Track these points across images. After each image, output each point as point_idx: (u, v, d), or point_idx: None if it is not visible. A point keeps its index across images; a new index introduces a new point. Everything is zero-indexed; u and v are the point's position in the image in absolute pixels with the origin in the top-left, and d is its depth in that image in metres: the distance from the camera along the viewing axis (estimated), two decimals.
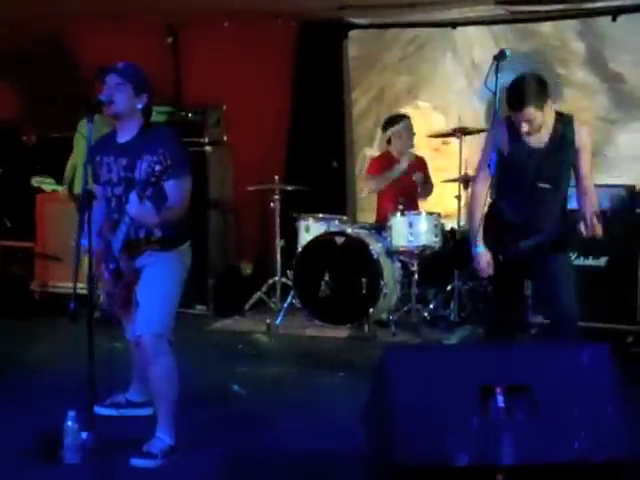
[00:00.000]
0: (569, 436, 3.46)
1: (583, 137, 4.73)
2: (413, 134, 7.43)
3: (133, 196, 4.10)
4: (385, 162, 7.49)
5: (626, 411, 3.57)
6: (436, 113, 8.24)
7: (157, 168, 4.02)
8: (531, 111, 4.56)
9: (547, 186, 4.72)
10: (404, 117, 7.51)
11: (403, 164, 7.26)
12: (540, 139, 4.71)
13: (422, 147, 7.77)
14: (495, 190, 4.81)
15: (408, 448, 3.43)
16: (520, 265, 4.76)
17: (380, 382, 3.75)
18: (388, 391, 3.60)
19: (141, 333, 4.35)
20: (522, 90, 4.58)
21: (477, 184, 4.89)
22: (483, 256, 4.77)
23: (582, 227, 4.60)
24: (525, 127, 4.61)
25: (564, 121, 4.73)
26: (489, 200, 4.87)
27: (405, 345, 6.51)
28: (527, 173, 4.70)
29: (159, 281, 4.35)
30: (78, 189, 6.77)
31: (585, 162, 4.75)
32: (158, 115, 6.71)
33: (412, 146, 7.45)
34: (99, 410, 4.55)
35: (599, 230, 4.58)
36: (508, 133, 4.73)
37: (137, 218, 4.18)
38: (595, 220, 4.55)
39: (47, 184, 7.42)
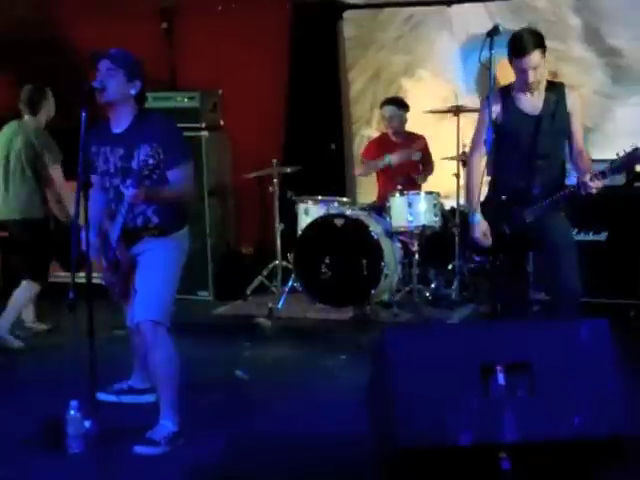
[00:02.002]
0: (570, 412, 3.46)
1: (574, 102, 4.79)
2: (401, 119, 7.44)
3: (130, 190, 4.11)
4: (381, 144, 7.49)
5: (628, 386, 3.58)
6: (432, 90, 8.19)
7: (150, 162, 4.02)
8: (538, 56, 4.60)
9: (545, 152, 4.73)
10: (393, 101, 7.52)
11: (393, 158, 7.25)
12: (534, 105, 4.75)
13: (419, 126, 7.74)
14: (493, 164, 4.81)
15: (410, 429, 3.43)
16: (523, 239, 4.76)
17: (380, 363, 3.75)
18: (388, 372, 3.59)
19: (140, 320, 4.35)
20: (527, 36, 4.64)
21: (472, 156, 4.93)
22: (480, 225, 4.77)
23: (580, 185, 4.59)
24: (531, 76, 4.62)
25: (556, 88, 4.78)
26: (487, 178, 4.87)
27: (406, 325, 6.51)
28: (523, 140, 4.73)
29: (157, 268, 4.35)
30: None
31: (577, 126, 4.79)
32: (154, 101, 6.69)
33: (402, 126, 7.47)
34: (101, 396, 4.55)
35: (599, 184, 4.57)
36: (502, 102, 4.77)
37: (143, 200, 4.17)
38: (590, 177, 4.54)
39: None
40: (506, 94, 4.77)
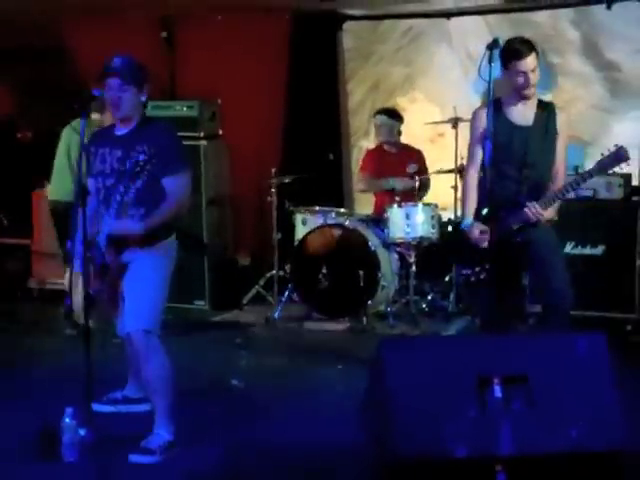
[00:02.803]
0: (567, 425, 3.47)
1: (563, 123, 4.86)
2: (391, 128, 7.47)
3: (106, 219, 4.20)
4: (377, 157, 7.54)
5: (625, 399, 3.58)
6: (431, 105, 8.22)
7: (141, 158, 4.04)
8: (533, 59, 4.71)
9: (533, 162, 4.78)
10: (385, 111, 7.56)
11: (398, 184, 7.29)
12: (525, 117, 4.83)
13: (418, 138, 7.76)
14: (485, 172, 4.85)
15: (406, 439, 3.43)
16: (513, 250, 4.77)
17: (377, 374, 3.75)
18: (385, 382, 3.59)
19: (130, 330, 4.34)
20: (521, 41, 4.77)
21: (469, 170, 5.02)
22: (474, 227, 4.80)
23: (527, 209, 4.69)
24: (531, 78, 4.71)
25: (546, 107, 4.88)
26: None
27: (403, 336, 6.50)
28: (514, 151, 4.78)
29: (146, 277, 4.34)
30: (53, 195, 6.75)
31: (560, 147, 4.85)
32: (153, 110, 6.70)
33: (394, 138, 7.51)
34: (96, 407, 4.53)
35: (543, 214, 4.69)
36: (494, 113, 4.78)
37: (118, 234, 4.22)
38: (540, 206, 4.66)
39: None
40: (497, 107, 4.82)
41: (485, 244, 4.76)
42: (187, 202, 4.46)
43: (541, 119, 4.81)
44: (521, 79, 4.72)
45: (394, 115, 7.56)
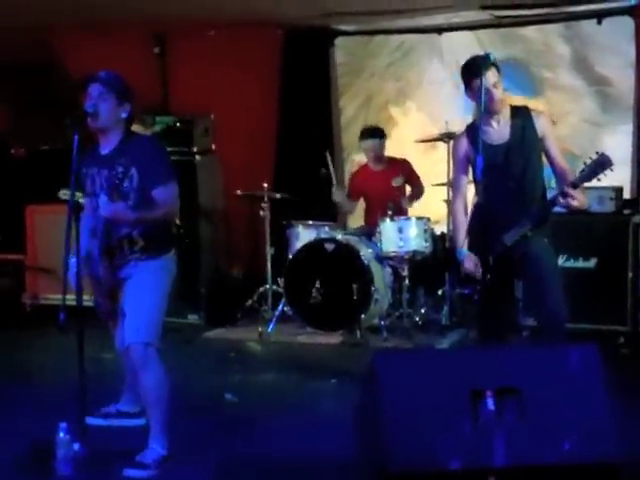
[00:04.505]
0: (559, 438, 3.47)
1: (544, 126, 4.79)
2: (381, 146, 7.50)
3: (102, 197, 4.15)
4: (361, 177, 7.61)
5: (617, 412, 3.59)
6: (424, 115, 8.25)
7: (119, 170, 4.05)
8: (495, 72, 4.65)
9: (518, 177, 4.74)
10: (371, 134, 7.55)
11: (345, 207, 7.65)
12: (501, 135, 4.77)
13: (410, 151, 7.79)
14: (475, 194, 4.85)
15: (399, 453, 3.44)
16: (508, 265, 4.77)
17: (370, 386, 3.75)
18: (378, 395, 3.60)
19: (130, 343, 4.34)
20: (477, 58, 4.67)
21: (455, 201, 5.02)
22: (469, 258, 4.79)
23: (561, 199, 4.58)
24: (497, 93, 4.65)
25: (521, 113, 4.80)
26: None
27: (396, 350, 6.51)
28: (495, 170, 4.68)
29: (145, 290, 4.35)
30: None
31: (553, 149, 4.80)
32: (149, 125, 6.72)
33: (382, 153, 7.53)
34: (90, 421, 4.53)
35: (582, 198, 4.59)
36: (469, 138, 4.83)
37: (110, 216, 4.19)
38: (572, 190, 4.54)
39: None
40: (472, 130, 4.81)
41: (479, 275, 4.73)
42: (175, 212, 4.47)
43: (518, 130, 4.74)
44: (489, 96, 4.63)
45: (377, 135, 7.54)
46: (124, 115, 4.37)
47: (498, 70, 4.69)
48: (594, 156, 4.51)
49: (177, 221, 4.96)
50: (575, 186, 4.55)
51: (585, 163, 4.54)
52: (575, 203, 4.56)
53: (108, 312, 4.51)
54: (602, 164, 4.51)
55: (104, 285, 4.38)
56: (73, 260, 4.16)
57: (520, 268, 4.80)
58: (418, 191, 7.57)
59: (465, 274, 4.86)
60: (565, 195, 4.55)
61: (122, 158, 4.18)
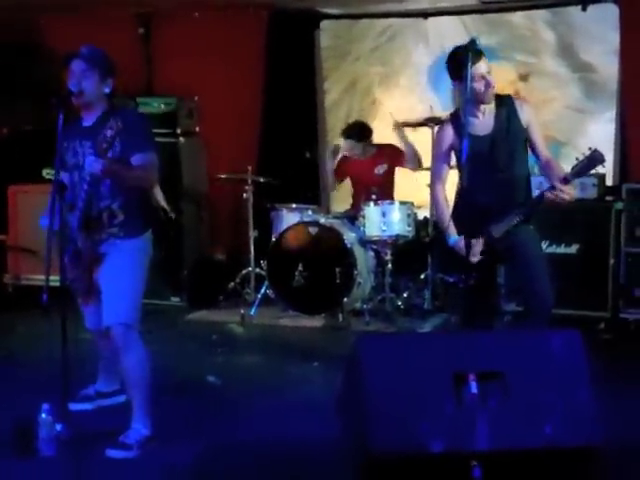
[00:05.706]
0: (542, 422, 3.50)
1: (528, 114, 4.80)
2: (362, 149, 7.46)
3: (89, 158, 4.13)
4: (347, 162, 7.60)
5: (599, 396, 3.62)
6: (408, 102, 8.24)
7: (108, 133, 4.01)
8: (486, 63, 4.65)
9: (503, 168, 4.76)
10: (352, 134, 7.48)
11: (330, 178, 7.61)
12: (485, 126, 4.77)
13: (394, 136, 7.78)
14: (460, 182, 4.84)
15: (381, 436, 3.45)
16: (492, 251, 4.78)
17: (353, 370, 3.77)
18: (361, 379, 3.61)
19: (110, 324, 4.33)
20: (468, 46, 4.58)
21: (435, 187, 5.00)
22: (460, 242, 4.77)
23: (550, 193, 4.60)
24: (491, 81, 4.65)
25: (505, 102, 4.80)
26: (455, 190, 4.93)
27: (378, 333, 6.53)
28: (480, 161, 4.66)
29: (124, 271, 4.33)
30: None
31: (537, 137, 4.81)
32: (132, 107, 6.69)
33: (363, 154, 7.49)
34: (72, 406, 4.51)
35: (572, 193, 4.61)
36: (454, 128, 4.82)
37: (102, 170, 4.13)
38: (563, 183, 4.56)
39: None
40: (456, 120, 4.80)
41: (476, 258, 4.70)
42: (154, 180, 4.43)
43: (501, 121, 4.75)
44: (481, 83, 4.64)
45: (354, 136, 7.45)
46: (107, 90, 4.37)
47: (487, 61, 4.69)
48: (587, 152, 4.53)
49: (164, 204, 4.89)
50: (567, 181, 4.57)
51: (577, 159, 4.55)
52: (566, 197, 4.59)
53: (85, 289, 4.47)
54: (594, 160, 4.53)
55: (84, 258, 4.35)
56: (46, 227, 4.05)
57: (506, 254, 4.81)
58: (414, 161, 7.47)
59: (455, 254, 4.84)
60: (558, 192, 4.58)
61: (106, 128, 4.14)
